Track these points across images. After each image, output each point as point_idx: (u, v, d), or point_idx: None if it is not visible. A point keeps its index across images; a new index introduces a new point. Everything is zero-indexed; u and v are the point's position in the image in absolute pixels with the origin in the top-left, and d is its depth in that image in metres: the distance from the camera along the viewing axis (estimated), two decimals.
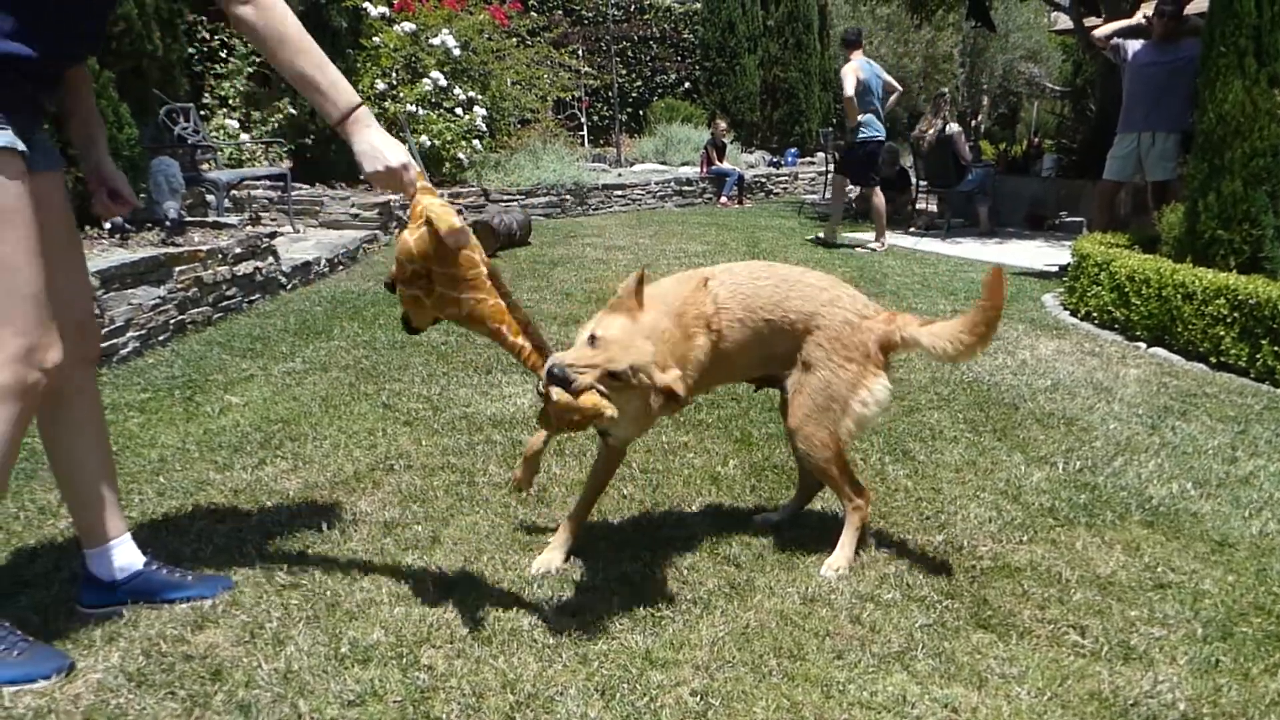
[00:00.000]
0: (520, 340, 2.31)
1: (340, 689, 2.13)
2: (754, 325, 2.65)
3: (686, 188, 14.40)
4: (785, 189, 16.15)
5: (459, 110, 11.30)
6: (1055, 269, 8.12)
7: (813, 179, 16.57)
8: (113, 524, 2.43)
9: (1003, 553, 2.85)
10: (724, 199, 14.31)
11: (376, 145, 2.16)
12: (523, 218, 9.62)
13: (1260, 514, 3.15)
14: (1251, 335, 4.81)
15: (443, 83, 10.94)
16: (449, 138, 10.90)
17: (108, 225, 5.65)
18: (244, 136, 10.01)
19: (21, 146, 1.99)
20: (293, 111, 9.81)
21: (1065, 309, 6.58)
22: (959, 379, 4.74)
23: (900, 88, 10.46)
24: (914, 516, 3.11)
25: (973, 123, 23.17)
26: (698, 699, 2.11)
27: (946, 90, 12.12)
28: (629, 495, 3.25)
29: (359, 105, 2.17)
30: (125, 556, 2.44)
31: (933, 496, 3.27)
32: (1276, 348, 4.67)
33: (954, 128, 11.01)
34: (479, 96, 11.69)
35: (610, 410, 2.17)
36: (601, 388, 2.19)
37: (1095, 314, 6.09)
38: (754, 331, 2.65)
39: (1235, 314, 4.89)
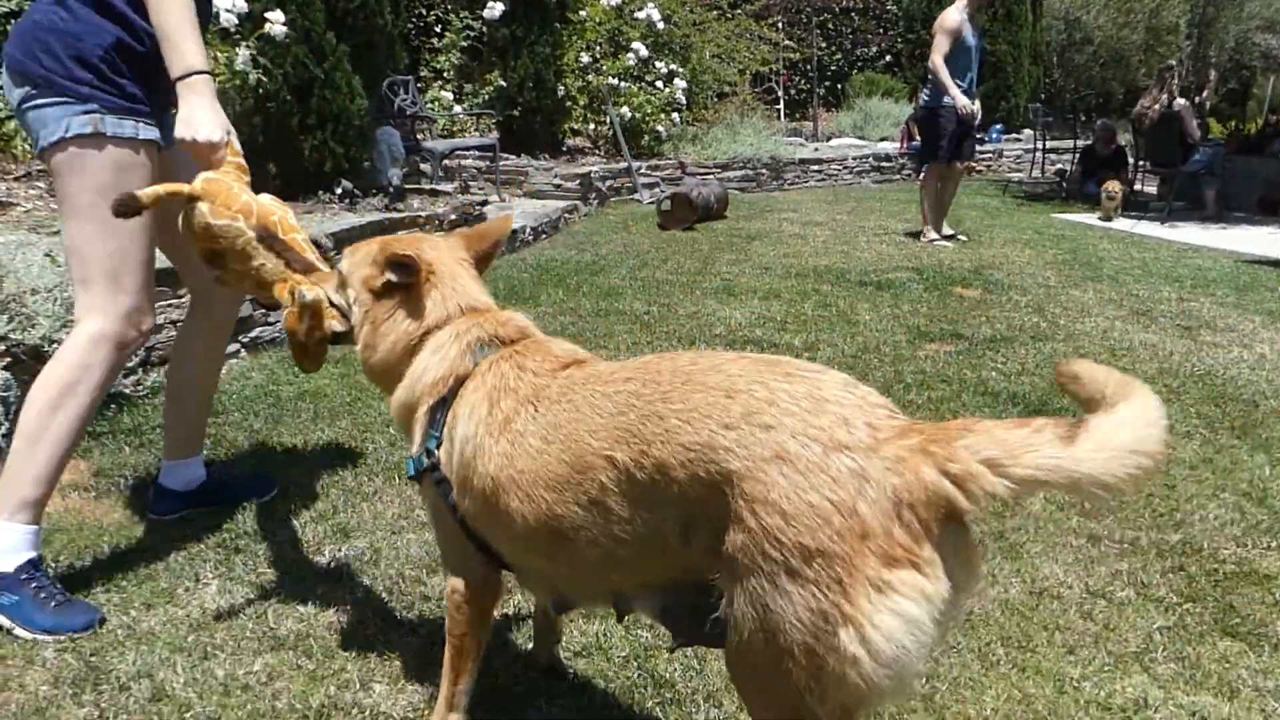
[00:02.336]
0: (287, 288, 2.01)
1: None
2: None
3: (885, 164, 14.04)
4: (989, 167, 15.50)
5: (659, 83, 11.39)
6: None
7: (1019, 156, 15.83)
8: (195, 444, 2.76)
9: (1248, 558, 2.67)
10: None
11: (195, 115, 2.14)
12: (720, 191, 9.61)
13: None
14: None
15: (644, 55, 11.04)
16: (649, 110, 11.00)
17: (338, 190, 6.01)
18: (456, 108, 10.42)
19: (159, 137, 2.30)
20: (502, 84, 10.12)
21: None
22: (1189, 371, 4.44)
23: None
24: (1146, 513, 2.94)
25: (1197, 99, 21.53)
26: (923, 683, 2.08)
27: (1174, 63, 11.27)
28: None
29: (199, 72, 2.14)
30: (196, 471, 2.76)
31: (1166, 494, 3.09)
32: None
33: (1182, 103, 10.26)
34: (679, 69, 11.74)
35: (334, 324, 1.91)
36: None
37: None
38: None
39: None
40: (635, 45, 11.02)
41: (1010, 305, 5.76)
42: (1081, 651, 2.21)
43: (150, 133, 2.29)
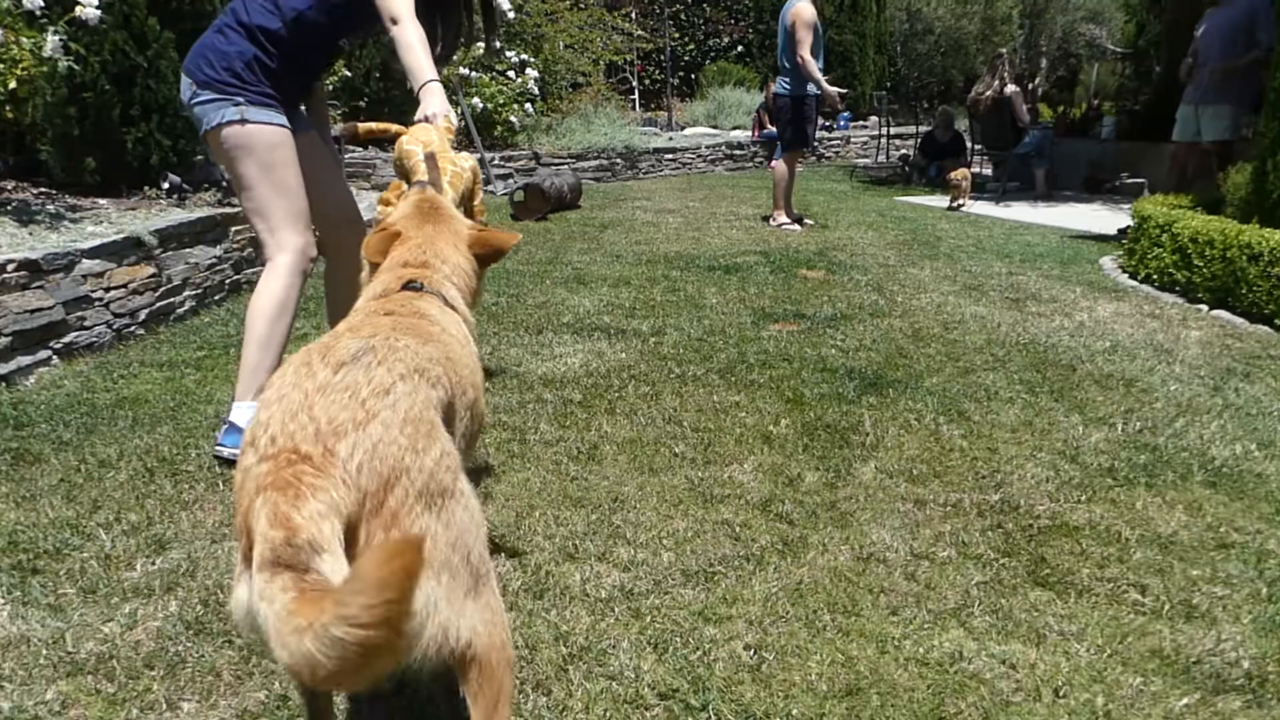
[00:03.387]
0: None
1: None
2: None
3: (738, 152, 14.25)
4: (838, 153, 15.92)
5: (511, 73, 11.27)
6: (1115, 233, 7.92)
7: (865, 143, 16.31)
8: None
9: (1060, 512, 2.79)
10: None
11: (432, 103, 2.88)
12: (573, 181, 9.58)
13: None
14: None
15: (495, 44, 10.90)
16: (501, 101, 10.87)
17: (165, 185, 5.72)
18: None
19: (286, 122, 3.04)
20: (347, 74, 9.83)
21: (1124, 271, 6.42)
22: (1014, 340, 4.65)
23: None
24: (969, 476, 3.05)
25: (1030, 85, 22.60)
26: (751, 653, 2.10)
27: (1005, 51, 11.79)
28: (680, 453, 3.22)
29: (431, 80, 2.89)
30: None
31: (989, 456, 3.21)
32: None
33: (1012, 89, 10.72)
34: (531, 59, 11.64)
35: None
36: None
37: (1156, 276, 5.93)
38: None
39: None
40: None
41: (852, 285, 5.92)
42: (904, 612, 2.26)
43: (282, 119, 3.03)
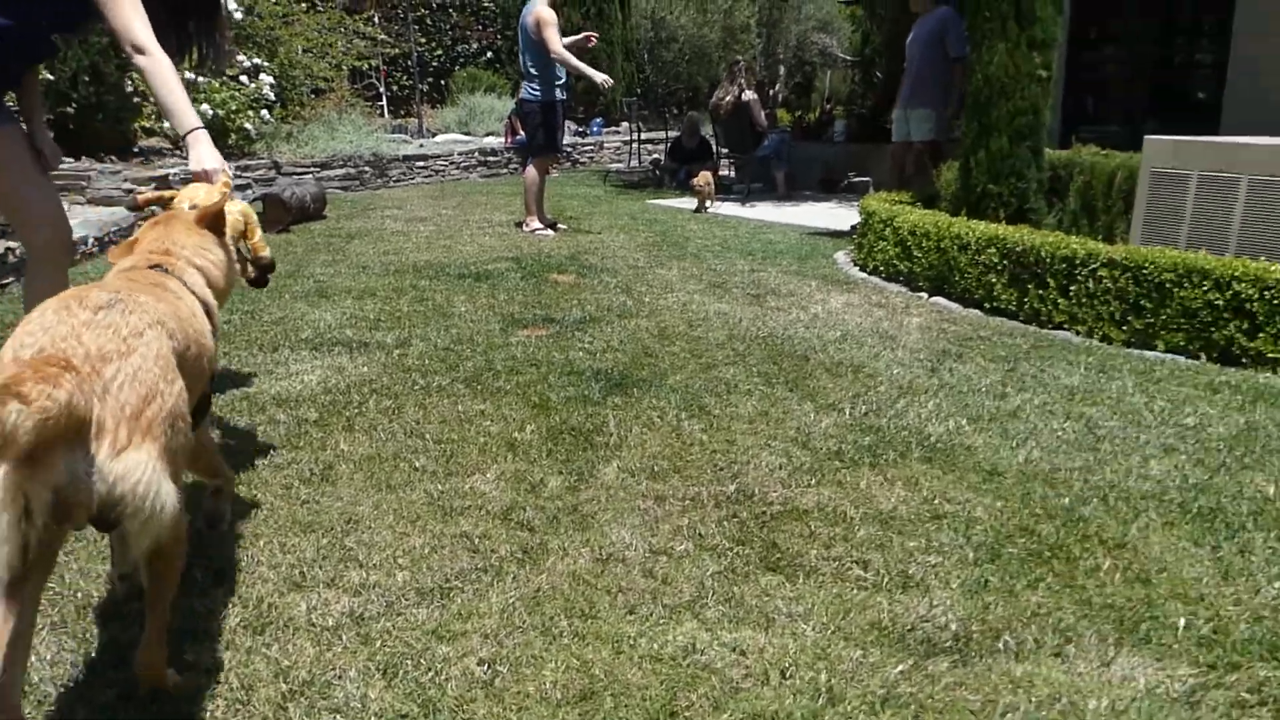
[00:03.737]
0: None
1: (94, 695, 1.94)
2: None
3: (491, 158, 14.15)
4: (591, 158, 16.12)
5: (244, 78, 10.68)
6: (848, 229, 8.42)
7: (617, 148, 16.61)
8: None
9: (792, 497, 2.91)
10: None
11: (203, 155, 2.92)
12: (316, 190, 9.20)
13: (1026, 444, 3.34)
14: (1019, 281, 5.10)
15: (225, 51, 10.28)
16: (234, 107, 10.27)
17: None
18: None
19: None
20: (49, 77, 8.99)
21: (855, 264, 6.82)
22: (754, 334, 4.83)
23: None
24: (708, 469, 3.13)
25: (771, 91, 23.74)
26: (485, 668, 2.04)
27: (742, 59, 12.33)
28: (421, 467, 3.13)
29: (198, 128, 2.89)
30: None
31: (727, 448, 3.30)
32: (1041, 291, 4.97)
33: (749, 95, 11.21)
34: (266, 64, 11.08)
35: None
36: None
37: (882, 268, 6.34)
38: None
39: (1005, 261, 5.17)
40: None
41: (601, 287, 5.98)
42: (641, 609, 2.27)
43: None
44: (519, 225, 8.51)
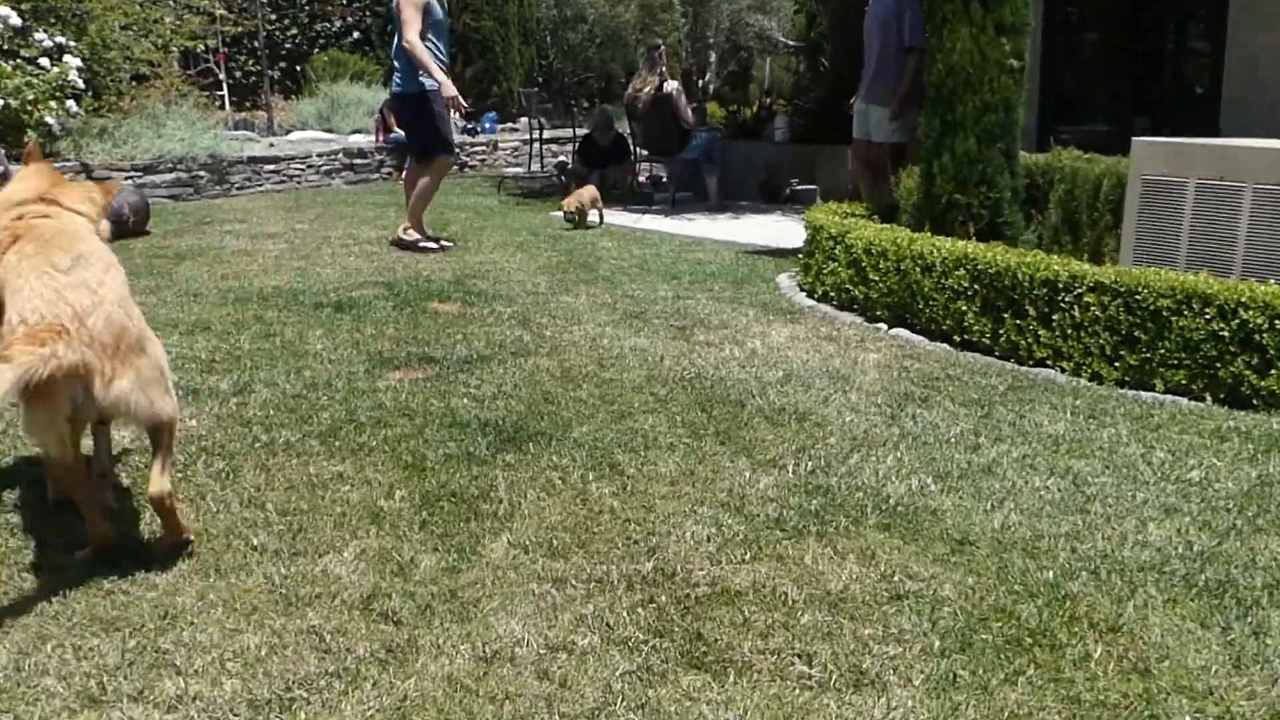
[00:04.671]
0: None
1: None
2: None
3: (359, 161, 14.06)
4: (483, 161, 16.12)
5: (45, 61, 10.46)
6: (800, 246, 8.53)
7: (516, 149, 16.65)
8: None
9: (722, 576, 2.89)
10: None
11: None
12: (137, 200, 9.03)
13: (1002, 505, 3.38)
14: (993, 309, 5.21)
15: (15, 23, 10.07)
16: (31, 96, 10.03)
17: None
18: None
19: None
20: None
21: (801, 290, 6.90)
22: (679, 376, 4.83)
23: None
24: (619, 542, 3.10)
25: (699, 81, 24.11)
26: None
27: (663, 43, 12.48)
28: (260, 545, 3.05)
29: None
30: None
31: (643, 516, 3.28)
32: (1019, 321, 5.08)
33: (672, 85, 11.33)
34: (72, 43, 10.86)
35: None
36: None
37: (833, 293, 6.42)
38: None
39: (976, 286, 5.28)
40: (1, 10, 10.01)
41: (493, 319, 5.94)
42: None
43: None
44: (400, 244, 8.41)
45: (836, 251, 6.37)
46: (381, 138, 14.43)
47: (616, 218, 10.63)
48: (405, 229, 8.40)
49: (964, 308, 5.34)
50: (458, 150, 8.37)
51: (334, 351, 5.19)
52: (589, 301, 6.48)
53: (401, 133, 14.31)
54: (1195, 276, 4.66)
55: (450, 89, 8.04)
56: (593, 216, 10.01)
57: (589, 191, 10.17)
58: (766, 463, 3.76)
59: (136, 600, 2.72)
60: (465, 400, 4.45)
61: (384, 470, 3.67)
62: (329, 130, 15.31)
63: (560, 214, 9.97)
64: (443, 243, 8.55)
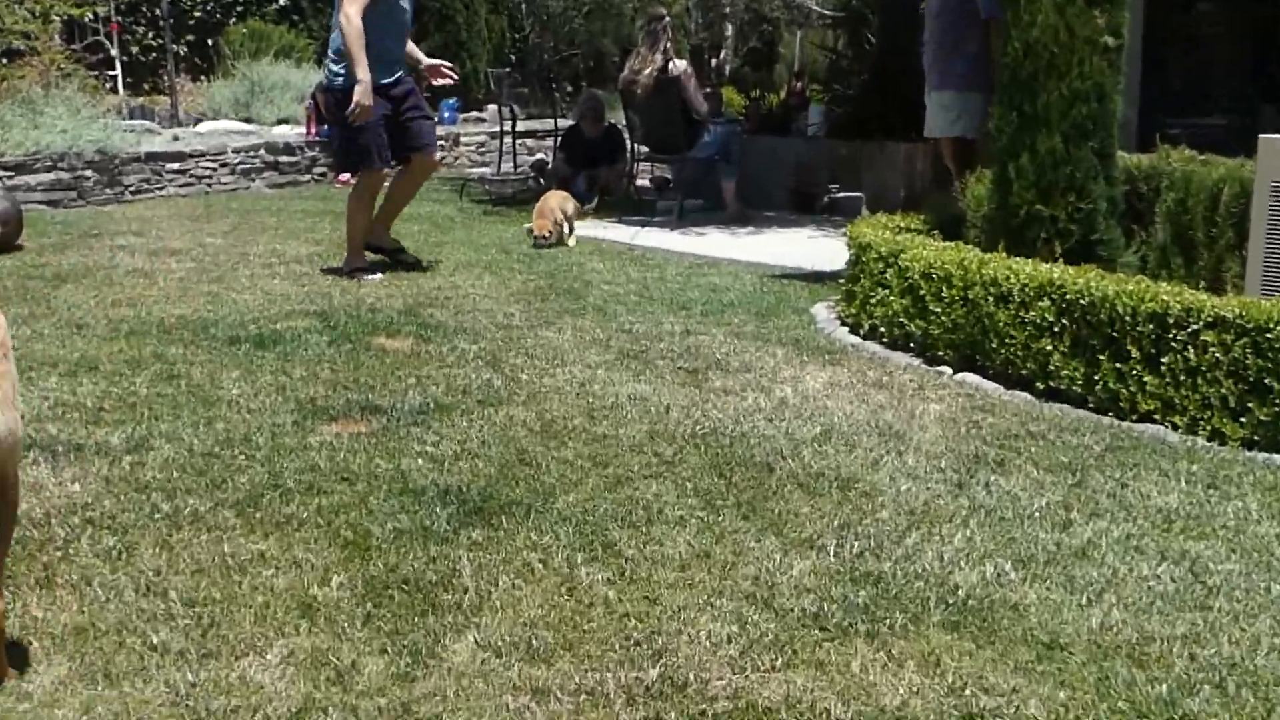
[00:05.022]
0: None
1: None
2: None
3: (286, 158, 14.15)
4: (442, 159, 16.19)
5: None
6: (842, 268, 8.56)
7: (482, 144, 16.75)
8: None
9: (746, 687, 2.88)
10: (345, 174, 14.12)
11: None
12: (7, 205, 9.07)
13: (1101, 599, 3.37)
14: (1086, 349, 5.22)
15: None
16: None
17: None
18: None
19: None
20: None
21: (843, 323, 6.92)
22: (690, 432, 4.84)
23: None
24: (616, 643, 3.10)
25: (714, 62, 24.28)
26: None
27: (666, 13, 12.54)
28: (161, 645, 3.04)
29: None
30: None
31: (646, 611, 3.28)
32: (1119, 365, 5.09)
33: (679, 66, 11.39)
34: None
35: None
36: None
37: (883, 329, 6.44)
38: None
39: (1064, 320, 5.28)
40: None
41: (455, 358, 5.96)
42: None
43: None
44: (338, 272, 8.40)
45: (888, 276, 6.39)
46: (313, 130, 14.51)
47: (610, 231, 10.69)
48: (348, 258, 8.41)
49: (1049, 347, 5.35)
50: (388, 159, 8.11)
51: (254, 398, 5.21)
52: (575, 337, 6.49)
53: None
54: None
55: (364, 94, 7.74)
56: (565, 229, 9.92)
57: (556, 199, 10.01)
58: (801, 542, 3.75)
59: (3, 715, 2.71)
60: (420, 461, 4.45)
61: (318, 549, 3.66)
62: (248, 120, 15.42)
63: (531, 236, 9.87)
64: (406, 256, 8.60)
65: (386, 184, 8.61)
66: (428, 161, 8.93)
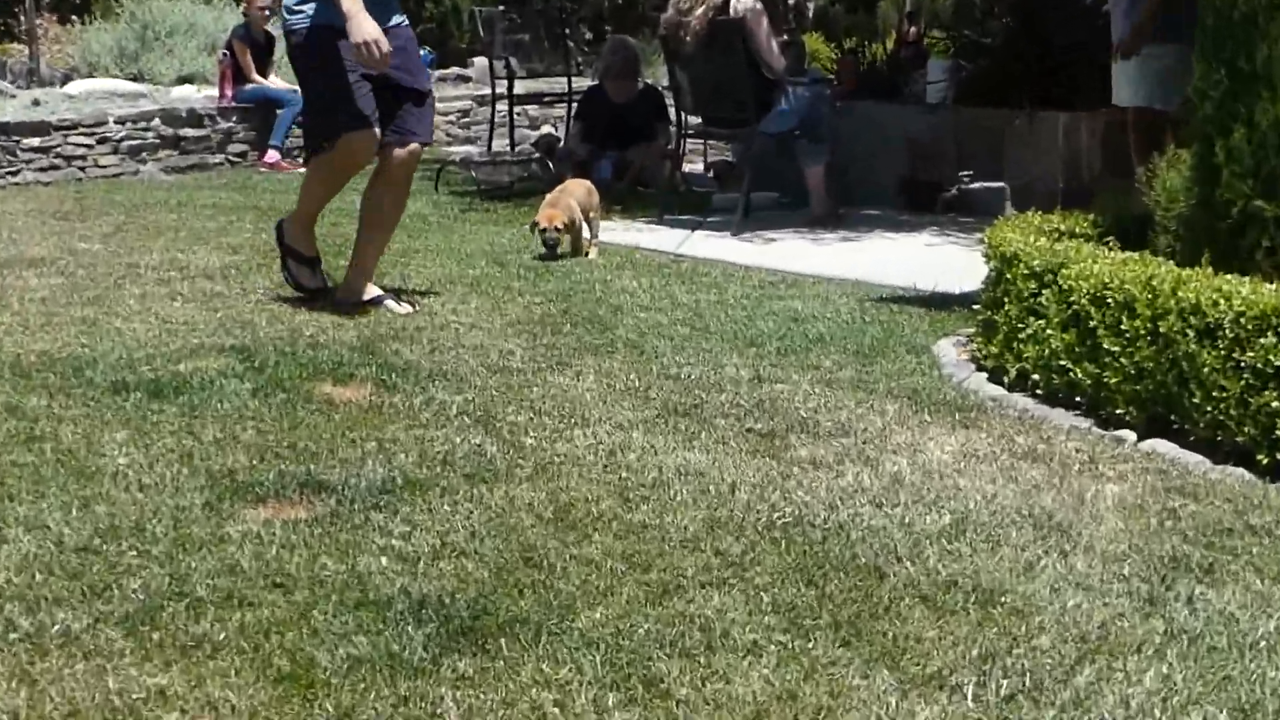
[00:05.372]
0: None
1: None
2: None
3: (191, 131, 14.26)
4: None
5: None
6: (975, 290, 8.54)
7: (467, 112, 16.84)
8: None
9: None
10: (272, 153, 14.22)
11: None
12: None
13: None
14: None
15: None
16: None
17: None
18: None
19: None
20: None
21: (980, 368, 6.90)
22: (763, 521, 4.81)
23: None
24: None
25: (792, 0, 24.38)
26: None
27: None
28: None
29: None
30: None
31: None
32: None
33: (746, 2, 11.39)
34: None
35: None
36: None
37: (1037, 375, 6.41)
38: None
39: None
40: None
41: (431, 414, 5.97)
42: None
43: None
44: (303, 292, 8.44)
45: (1043, 301, 6.37)
46: (229, 92, 14.61)
47: (647, 236, 10.73)
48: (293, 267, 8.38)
49: (1275, 404, 5.33)
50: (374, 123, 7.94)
51: (148, 470, 5.22)
52: (600, 385, 6.49)
53: (263, 82, 14.57)
54: None
55: (364, 31, 7.59)
56: (585, 234, 9.91)
57: (579, 189, 10.06)
58: (926, 680, 3.73)
59: None
60: (384, 560, 4.44)
61: (240, 686, 3.64)
62: (137, 78, 15.53)
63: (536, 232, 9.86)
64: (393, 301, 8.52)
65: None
66: (408, 155, 8.49)
